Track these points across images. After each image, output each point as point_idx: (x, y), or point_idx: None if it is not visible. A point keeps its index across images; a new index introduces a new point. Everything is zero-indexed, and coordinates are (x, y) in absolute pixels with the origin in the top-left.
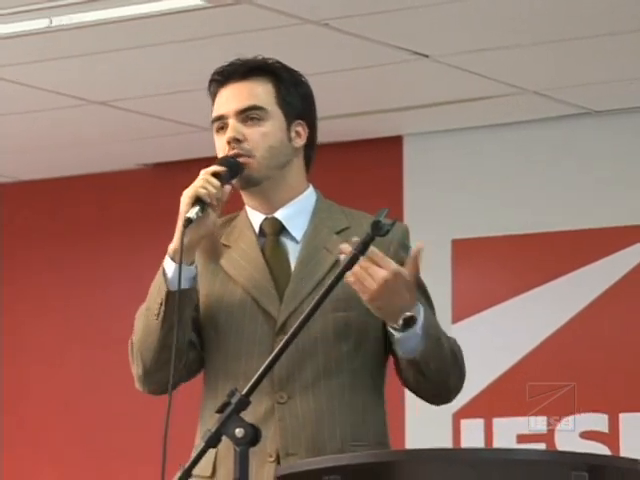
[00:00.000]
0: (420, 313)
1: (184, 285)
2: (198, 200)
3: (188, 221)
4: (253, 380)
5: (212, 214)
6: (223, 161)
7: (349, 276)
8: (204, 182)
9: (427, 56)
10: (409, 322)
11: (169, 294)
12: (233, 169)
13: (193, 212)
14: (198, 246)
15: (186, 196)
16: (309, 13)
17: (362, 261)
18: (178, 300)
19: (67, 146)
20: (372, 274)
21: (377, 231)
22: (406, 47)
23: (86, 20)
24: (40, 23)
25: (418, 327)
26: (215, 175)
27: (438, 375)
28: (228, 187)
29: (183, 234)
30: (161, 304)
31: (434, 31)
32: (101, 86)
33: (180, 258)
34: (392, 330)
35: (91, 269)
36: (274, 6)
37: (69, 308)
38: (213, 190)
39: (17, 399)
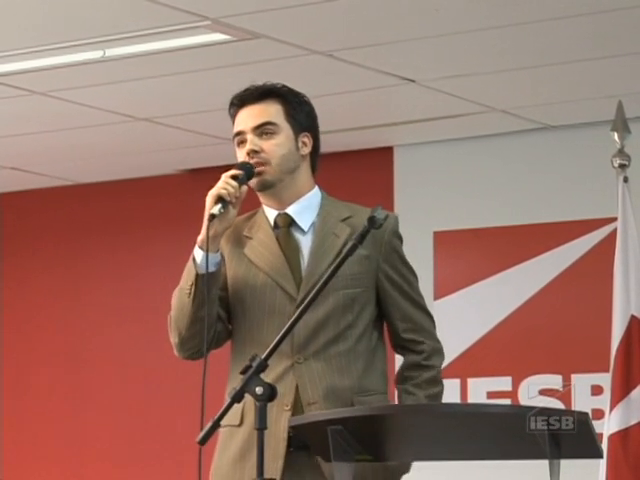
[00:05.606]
0: None
1: (210, 269)
2: (220, 199)
3: (212, 216)
4: (271, 347)
5: (232, 210)
6: (240, 166)
7: None
8: (225, 184)
9: (413, 81)
10: None
11: (198, 276)
12: (248, 172)
13: (216, 209)
14: (222, 236)
15: (210, 195)
16: (316, 45)
17: None
18: (206, 281)
19: (117, 155)
20: None
21: (372, 225)
22: (396, 74)
23: (133, 52)
24: (96, 54)
25: None
26: (233, 178)
27: None
28: (245, 187)
29: (208, 227)
30: (192, 285)
31: (419, 61)
32: (145, 106)
33: (207, 247)
34: None
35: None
36: (286, 39)
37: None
38: (232, 190)
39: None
